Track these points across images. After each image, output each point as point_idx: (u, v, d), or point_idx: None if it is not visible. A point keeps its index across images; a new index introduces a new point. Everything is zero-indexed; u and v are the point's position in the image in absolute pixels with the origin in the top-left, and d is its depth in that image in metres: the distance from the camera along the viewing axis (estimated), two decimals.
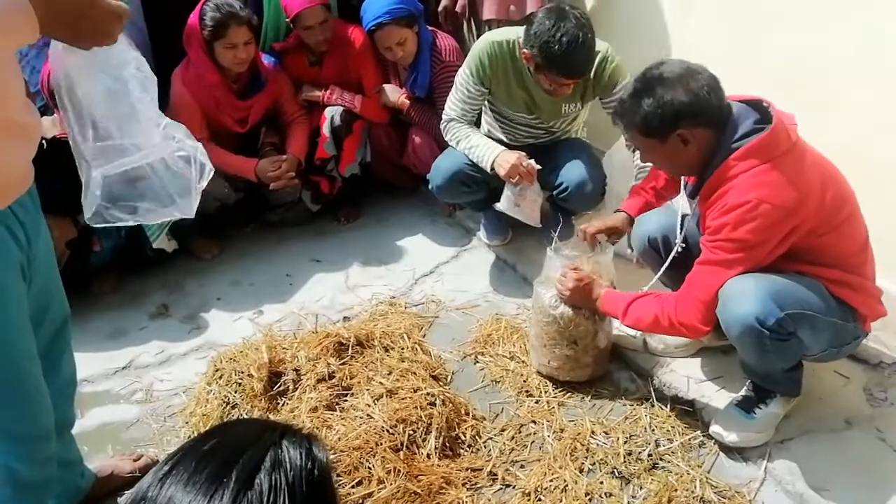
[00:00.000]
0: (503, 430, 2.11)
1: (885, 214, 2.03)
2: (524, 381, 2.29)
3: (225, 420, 2.10)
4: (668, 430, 2.05)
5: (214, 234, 3.20)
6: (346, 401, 2.15)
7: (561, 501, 1.85)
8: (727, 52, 2.55)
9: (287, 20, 3.08)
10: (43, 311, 1.55)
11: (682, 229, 2.04)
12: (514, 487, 1.92)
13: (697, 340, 2.27)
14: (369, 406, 2.07)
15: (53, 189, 1.74)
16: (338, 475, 1.86)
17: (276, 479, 0.75)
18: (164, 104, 3.00)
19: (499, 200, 2.70)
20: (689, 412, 2.12)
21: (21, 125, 1.29)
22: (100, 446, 2.13)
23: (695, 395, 2.16)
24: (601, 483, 1.89)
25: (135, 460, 2.00)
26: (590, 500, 1.85)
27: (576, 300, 2.14)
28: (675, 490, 1.84)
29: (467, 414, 2.14)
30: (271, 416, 2.12)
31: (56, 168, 1.83)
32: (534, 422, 2.13)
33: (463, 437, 2.06)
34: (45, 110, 2.58)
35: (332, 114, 3.17)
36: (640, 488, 1.88)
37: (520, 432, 2.10)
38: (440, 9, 3.27)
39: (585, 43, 2.32)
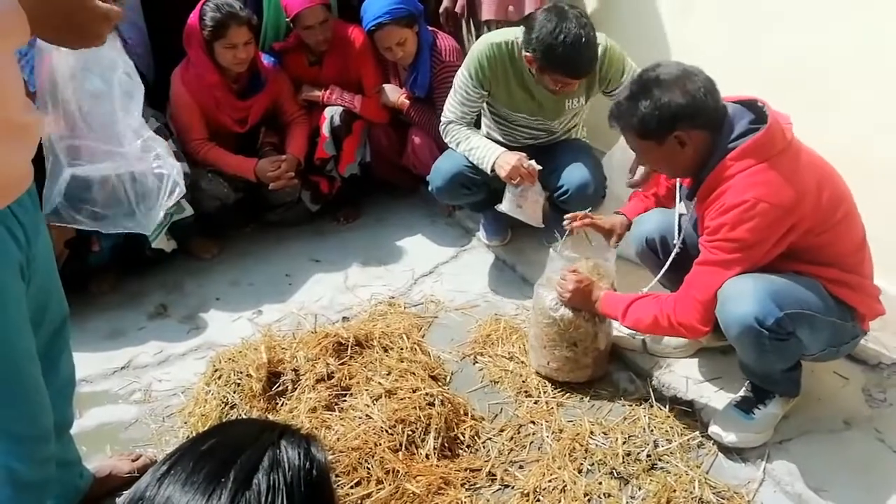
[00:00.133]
0: (502, 431, 2.11)
1: (884, 214, 2.04)
2: (523, 382, 2.29)
3: (223, 420, 2.09)
4: (666, 431, 2.05)
5: (214, 234, 3.19)
6: (344, 401, 2.15)
7: (560, 502, 1.85)
8: (727, 52, 2.56)
9: (287, 20, 3.08)
10: (42, 310, 1.54)
11: (680, 230, 2.04)
12: (512, 488, 1.92)
13: (696, 341, 2.27)
14: (368, 406, 2.07)
15: None
16: (336, 475, 1.85)
17: (274, 479, 0.75)
18: (165, 104, 3.01)
19: (499, 202, 2.70)
20: (688, 413, 2.12)
21: (21, 125, 1.29)
22: (98, 446, 2.13)
23: (694, 396, 2.16)
24: (600, 483, 1.89)
25: (133, 460, 1.99)
26: (588, 500, 1.85)
27: (575, 302, 2.14)
28: (674, 491, 1.84)
29: (466, 414, 2.14)
30: (270, 417, 2.12)
31: None
32: (533, 422, 2.13)
33: (462, 438, 2.06)
34: None
35: (331, 114, 3.17)
36: (639, 489, 1.88)
37: (519, 433, 2.10)
38: (441, 10, 3.27)
39: (588, 41, 2.32)
